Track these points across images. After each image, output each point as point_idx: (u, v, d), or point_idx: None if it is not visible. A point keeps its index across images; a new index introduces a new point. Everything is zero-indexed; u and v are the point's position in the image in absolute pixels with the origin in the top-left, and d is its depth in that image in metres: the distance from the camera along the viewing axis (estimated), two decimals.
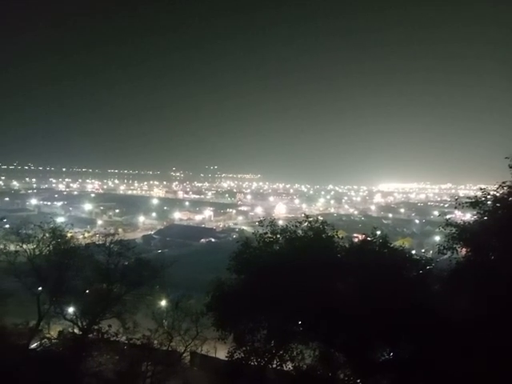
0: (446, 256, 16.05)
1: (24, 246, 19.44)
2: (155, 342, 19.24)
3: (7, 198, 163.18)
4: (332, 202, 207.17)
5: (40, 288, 19.29)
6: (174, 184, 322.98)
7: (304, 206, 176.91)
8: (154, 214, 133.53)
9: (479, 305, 13.27)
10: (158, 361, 18.80)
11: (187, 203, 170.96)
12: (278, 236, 17.35)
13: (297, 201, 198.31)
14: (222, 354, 19.33)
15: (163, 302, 24.01)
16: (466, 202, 16.63)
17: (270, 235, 17.30)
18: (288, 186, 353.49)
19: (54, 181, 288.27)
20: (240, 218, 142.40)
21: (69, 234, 21.01)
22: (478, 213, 15.96)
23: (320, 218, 18.26)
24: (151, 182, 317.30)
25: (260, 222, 18.40)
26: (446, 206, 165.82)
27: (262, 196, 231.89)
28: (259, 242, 17.22)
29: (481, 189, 16.15)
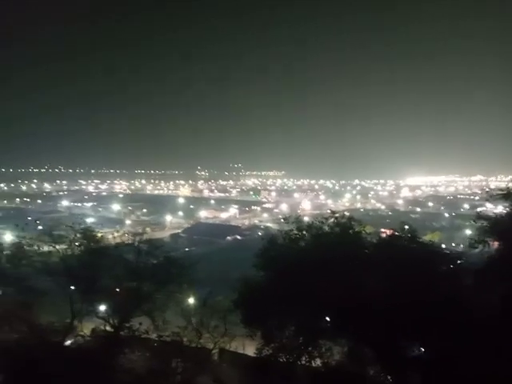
0: (477, 250, 15.67)
1: (57, 247, 20.03)
2: (185, 339, 19.48)
3: (40, 201, 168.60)
4: (358, 197, 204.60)
5: (72, 287, 19.84)
6: (200, 183, 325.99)
7: (330, 201, 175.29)
8: (180, 213, 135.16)
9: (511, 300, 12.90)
10: (188, 358, 19.04)
11: (212, 201, 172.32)
12: (304, 232, 17.29)
13: (322, 197, 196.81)
14: (250, 350, 19.42)
15: (191, 300, 24.29)
16: (498, 194, 16.20)
17: (295, 232, 17.26)
18: (313, 182, 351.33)
19: (83, 182, 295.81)
20: (265, 215, 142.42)
21: (99, 234, 21.50)
22: (510, 205, 15.51)
23: (346, 214, 18.11)
24: (177, 182, 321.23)
25: (285, 218, 18.40)
26: (476, 198, 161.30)
27: (286, 193, 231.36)
28: (285, 239, 17.22)
29: None
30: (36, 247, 19.92)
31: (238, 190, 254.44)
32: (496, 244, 15.47)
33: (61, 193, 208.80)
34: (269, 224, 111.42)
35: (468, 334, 12.66)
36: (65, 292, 19.74)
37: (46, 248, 20.21)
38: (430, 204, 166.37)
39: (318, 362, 16.04)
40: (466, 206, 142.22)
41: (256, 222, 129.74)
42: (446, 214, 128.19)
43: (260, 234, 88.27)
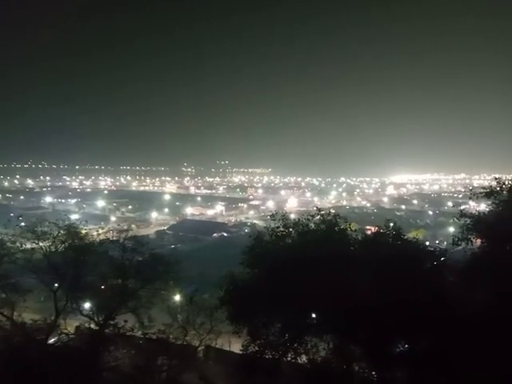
0: (460, 247, 15.89)
1: (40, 244, 19.73)
2: (170, 336, 19.43)
3: (22, 197, 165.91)
4: (344, 194, 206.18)
5: (56, 284, 19.58)
6: (186, 179, 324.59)
7: (316, 199, 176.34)
8: (166, 210, 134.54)
9: (495, 296, 13.13)
10: (173, 355, 19.00)
11: (199, 198, 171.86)
12: (291, 230, 17.32)
13: (308, 194, 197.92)
14: (236, 347, 19.46)
15: (177, 297, 24.21)
16: (481, 193, 16.43)
17: (282, 229, 17.28)
18: (299, 179, 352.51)
19: (67, 178, 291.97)
20: (251, 212, 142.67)
21: (83, 231, 21.24)
22: (493, 203, 15.76)
23: (332, 211, 18.20)
24: (163, 178, 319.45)
25: (272, 215, 18.40)
26: (460, 196, 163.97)
27: (273, 190, 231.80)
28: (271, 236, 17.23)
29: (495, 178, 15.94)
30: (19, 244, 19.58)
31: (225, 186, 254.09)
32: (479, 241, 15.71)
33: (44, 189, 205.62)
34: (255, 221, 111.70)
35: (452, 330, 12.85)
36: (49, 289, 19.48)
37: (29, 245, 19.89)
38: (415, 202, 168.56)
39: (303, 359, 16.12)
40: (450, 203, 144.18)
41: (242, 218, 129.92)
42: (430, 212, 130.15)
43: (246, 231, 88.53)
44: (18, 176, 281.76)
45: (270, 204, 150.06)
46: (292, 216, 20.59)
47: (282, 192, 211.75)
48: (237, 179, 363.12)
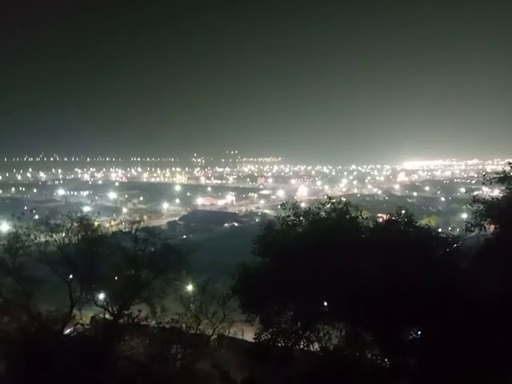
0: (473, 233, 15.73)
1: (54, 236, 19.99)
2: (184, 325, 19.62)
3: (35, 190, 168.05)
4: (355, 182, 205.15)
5: (71, 276, 19.86)
6: (196, 170, 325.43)
7: (326, 187, 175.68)
8: (177, 201, 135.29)
9: (508, 283, 12.99)
10: (187, 343, 19.20)
11: (209, 189, 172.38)
12: (301, 218, 17.29)
13: (319, 182, 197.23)
14: (249, 336, 19.60)
15: (190, 287, 24.41)
16: (494, 178, 16.20)
17: (292, 218, 17.25)
18: (309, 167, 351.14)
19: (79, 171, 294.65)
20: (262, 201, 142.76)
21: (96, 223, 21.44)
22: (506, 188, 15.53)
23: (343, 199, 18.10)
24: (173, 169, 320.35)
25: (282, 205, 18.38)
26: (473, 182, 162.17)
27: (283, 179, 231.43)
28: (282, 225, 17.22)
29: (509, 163, 15.68)
30: (33, 237, 19.86)
31: (235, 176, 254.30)
32: (492, 227, 15.52)
33: (56, 182, 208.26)
34: (266, 210, 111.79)
35: (465, 317, 12.77)
36: (63, 281, 19.77)
37: (43, 237, 20.16)
38: (427, 188, 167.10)
39: (316, 347, 16.20)
40: (463, 189, 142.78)
41: (253, 208, 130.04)
42: (443, 199, 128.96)
43: (257, 220, 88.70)
44: (30, 169, 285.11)
45: (281, 193, 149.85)
46: (302, 205, 20.55)
47: (292, 181, 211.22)
48: (246, 169, 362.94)
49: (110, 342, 18.25)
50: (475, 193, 18.16)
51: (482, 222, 15.31)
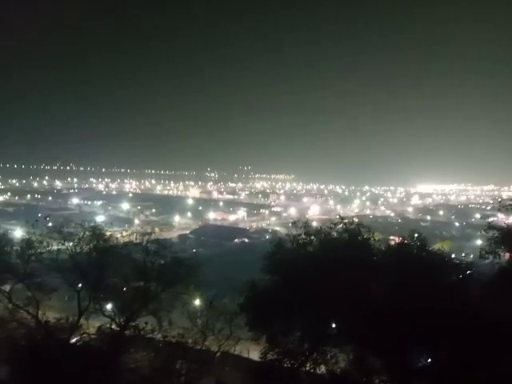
0: (487, 261, 15.48)
1: (66, 244, 20.19)
2: (189, 340, 19.50)
3: (50, 198, 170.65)
4: (368, 203, 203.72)
5: (80, 285, 19.96)
6: (209, 184, 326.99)
7: (339, 207, 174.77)
8: (189, 214, 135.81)
9: None
10: (192, 359, 19.02)
11: (221, 203, 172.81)
12: (312, 237, 17.21)
13: (331, 202, 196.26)
14: (254, 354, 19.35)
15: (197, 301, 24.30)
16: (510, 205, 16.01)
17: (303, 236, 17.18)
18: (322, 186, 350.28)
19: (94, 181, 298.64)
20: (273, 218, 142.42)
21: (108, 233, 21.60)
22: None
23: (355, 220, 17.99)
24: (186, 183, 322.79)
25: (293, 223, 18.33)
26: (488, 208, 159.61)
27: (295, 197, 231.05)
28: (293, 243, 17.15)
29: None
30: (46, 244, 20.08)
31: (247, 192, 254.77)
32: (507, 255, 15.27)
33: (71, 190, 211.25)
34: (277, 228, 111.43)
35: (477, 344, 12.47)
36: (73, 289, 19.88)
37: (55, 245, 20.37)
38: (441, 212, 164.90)
39: (322, 369, 15.92)
40: (477, 215, 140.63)
41: (264, 225, 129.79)
42: (457, 224, 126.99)
43: (268, 237, 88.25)
44: (46, 177, 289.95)
45: (292, 211, 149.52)
46: (314, 224, 20.48)
47: (305, 199, 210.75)
48: (259, 185, 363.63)
49: (115, 353, 18.18)
50: (490, 219, 17.98)
51: (497, 250, 15.08)
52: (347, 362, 15.80)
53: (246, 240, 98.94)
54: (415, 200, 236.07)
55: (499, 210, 16.96)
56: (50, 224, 22.92)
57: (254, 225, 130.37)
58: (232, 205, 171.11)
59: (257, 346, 17.08)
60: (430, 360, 15.05)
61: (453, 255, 24.41)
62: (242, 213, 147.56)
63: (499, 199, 17.25)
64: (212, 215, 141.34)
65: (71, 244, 20.14)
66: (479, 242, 40.41)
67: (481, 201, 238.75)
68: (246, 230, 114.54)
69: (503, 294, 14.05)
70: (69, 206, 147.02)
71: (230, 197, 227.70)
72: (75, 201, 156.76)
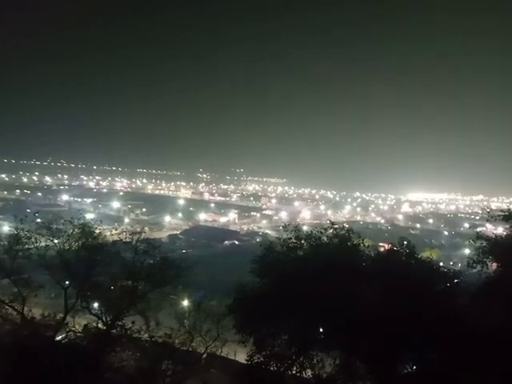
0: (475, 270, 15.63)
1: (54, 241, 20.00)
2: (176, 341, 19.41)
3: (40, 193, 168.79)
4: (358, 209, 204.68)
5: (67, 282, 19.78)
6: (201, 185, 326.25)
7: (329, 212, 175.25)
8: (179, 215, 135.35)
9: (509, 322, 12.82)
10: (178, 360, 18.93)
11: (212, 205, 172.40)
12: (303, 242, 17.27)
13: (322, 207, 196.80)
14: (241, 357, 19.32)
15: (185, 302, 24.24)
16: (499, 215, 16.18)
17: (294, 240, 17.23)
18: (314, 191, 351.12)
19: (84, 178, 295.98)
20: (264, 221, 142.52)
21: (97, 231, 21.44)
22: (510, 227, 15.50)
23: (346, 226, 18.08)
24: (178, 183, 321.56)
25: (284, 226, 18.37)
26: (477, 218, 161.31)
27: (287, 200, 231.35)
28: (283, 247, 17.19)
29: None
30: (34, 240, 19.87)
31: (239, 194, 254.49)
32: (494, 265, 15.43)
33: (61, 187, 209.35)
34: (267, 231, 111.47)
35: (463, 353, 12.58)
36: (60, 286, 19.69)
37: (43, 241, 20.17)
38: (430, 221, 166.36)
39: (308, 373, 15.93)
40: (466, 225, 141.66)
41: (255, 228, 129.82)
42: (446, 232, 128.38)
43: (258, 240, 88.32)
44: (36, 173, 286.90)
45: (283, 214, 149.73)
46: (305, 228, 20.52)
47: (296, 203, 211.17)
48: (251, 188, 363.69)
49: (100, 352, 18.03)
50: (479, 229, 18.18)
51: (485, 259, 15.24)
52: (333, 366, 15.83)
53: (237, 242, 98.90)
54: (405, 208, 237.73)
55: (488, 221, 17.12)
56: (38, 220, 22.67)
57: (245, 227, 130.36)
58: (223, 207, 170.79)
59: (244, 348, 17.05)
60: (415, 367, 15.14)
61: (441, 263, 24.61)
62: (233, 215, 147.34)
63: (488, 209, 17.43)
64: (203, 216, 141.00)
65: (60, 241, 19.96)
66: (467, 251, 40.84)
67: (470, 210, 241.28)
68: (236, 233, 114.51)
69: (490, 303, 14.20)
70: (58, 203, 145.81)
71: (222, 198, 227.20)
72: (65, 197, 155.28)
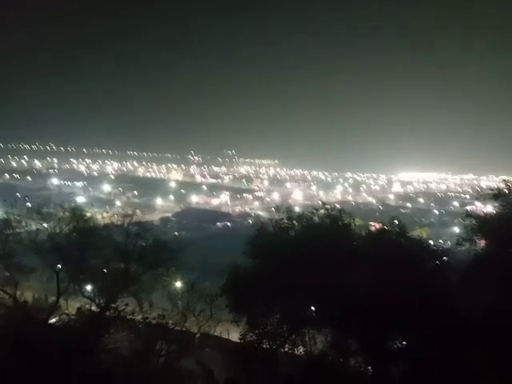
0: (464, 247, 15.85)
1: (45, 224, 19.86)
2: (170, 321, 19.56)
3: (29, 177, 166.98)
4: (350, 190, 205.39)
5: (59, 265, 19.74)
6: (192, 168, 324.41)
7: (321, 193, 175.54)
8: (171, 197, 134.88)
9: (496, 298, 13.09)
10: (172, 340, 19.13)
11: (204, 187, 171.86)
12: (294, 222, 17.34)
13: (314, 188, 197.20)
14: (234, 336, 19.57)
15: (178, 284, 24.33)
16: (488, 194, 16.33)
17: (286, 221, 17.31)
18: (305, 172, 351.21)
19: (74, 161, 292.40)
20: (256, 203, 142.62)
21: (88, 214, 21.33)
22: (499, 205, 15.67)
23: (337, 206, 18.17)
24: (169, 165, 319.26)
25: (276, 207, 18.45)
26: (467, 197, 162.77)
27: (279, 182, 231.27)
28: (275, 228, 17.26)
29: (504, 181, 15.82)
30: (24, 224, 19.73)
31: (231, 176, 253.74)
32: (483, 243, 15.65)
33: (51, 170, 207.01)
34: (260, 212, 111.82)
35: (451, 329, 12.84)
36: (52, 270, 19.65)
37: (34, 225, 20.03)
38: (421, 200, 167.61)
39: (300, 350, 16.22)
40: (456, 203, 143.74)
41: (247, 209, 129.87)
42: (436, 211, 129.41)
43: (250, 221, 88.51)
44: (25, 157, 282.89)
45: (275, 196, 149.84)
46: (296, 209, 20.60)
47: (288, 184, 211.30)
48: (243, 169, 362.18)
49: (94, 334, 18.13)
50: (468, 207, 18.37)
51: (473, 237, 15.44)
52: (325, 343, 16.13)
53: (229, 224, 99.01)
54: (396, 187, 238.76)
55: (477, 199, 17.34)
56: (28, 204, 22.49)
57: (237, 209, 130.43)
58: (215, 189, 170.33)
59: (237, 327, 17.27)
60: (404, 343, 15.45)
61: (431, 241, 24.90)
62: (225, 197, 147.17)
63: (477, 188, 17.60)
64: (195, 199, 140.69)
65: (50, 224, 19.84)
66: (457, 230, 41.34)
67: (460, 189, 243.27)
68: (228, 214, 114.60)
69: (478, 280, 14.46)
70: (48, 186, 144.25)
71: (214, 181, 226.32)
72: (55, 181, 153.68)
